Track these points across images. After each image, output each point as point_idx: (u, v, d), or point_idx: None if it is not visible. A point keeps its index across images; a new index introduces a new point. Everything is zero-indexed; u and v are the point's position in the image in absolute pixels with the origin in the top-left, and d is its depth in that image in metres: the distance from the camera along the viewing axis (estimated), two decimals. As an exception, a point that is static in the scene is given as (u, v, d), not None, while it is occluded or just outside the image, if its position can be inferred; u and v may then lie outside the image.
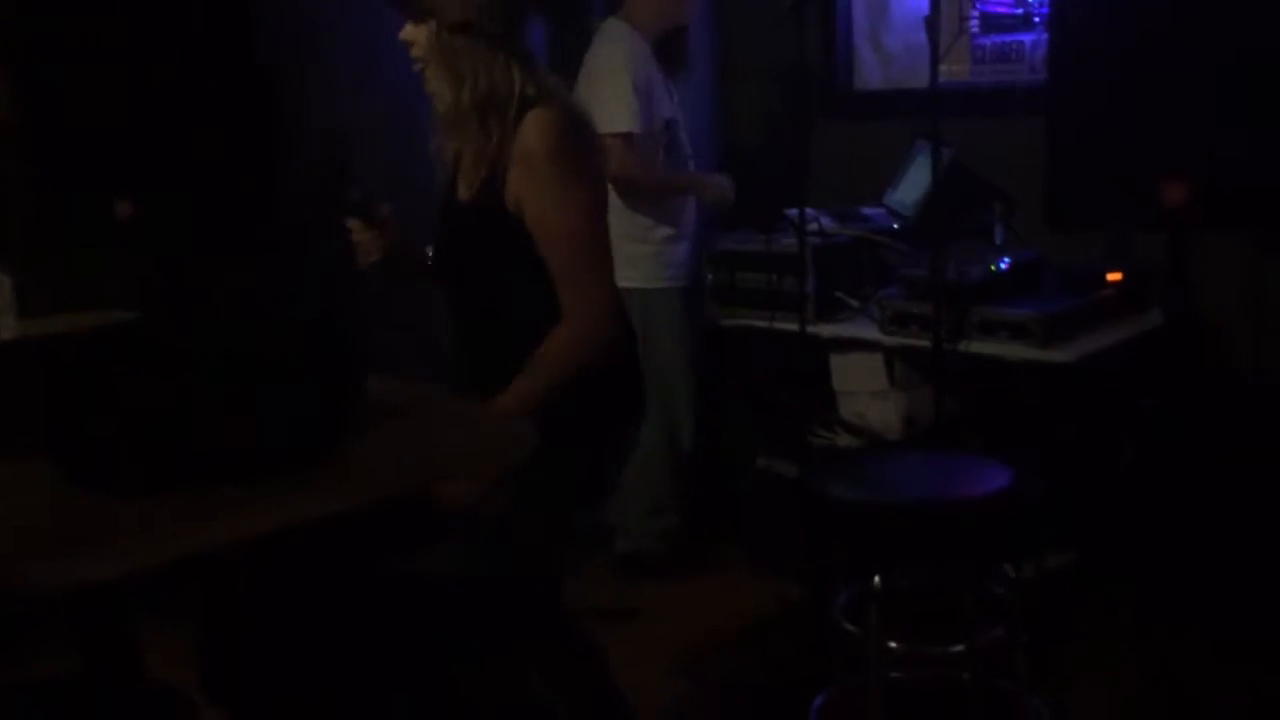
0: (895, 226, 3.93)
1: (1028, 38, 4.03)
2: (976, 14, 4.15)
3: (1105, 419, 3.31)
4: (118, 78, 3.04)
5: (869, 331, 3.64)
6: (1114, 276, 3.56)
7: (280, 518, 1.40)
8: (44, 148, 3.09)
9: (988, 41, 4.18)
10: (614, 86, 3.66)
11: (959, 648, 2.74)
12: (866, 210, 4.07)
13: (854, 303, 3.76)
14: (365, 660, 1.78)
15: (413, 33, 2.23)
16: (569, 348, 2.20)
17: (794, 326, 3.53)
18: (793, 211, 3.60)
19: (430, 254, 2.47)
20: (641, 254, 3.79)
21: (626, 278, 3.81)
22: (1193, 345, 3.50)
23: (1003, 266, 3.49)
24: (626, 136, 3.64)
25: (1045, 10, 3.91)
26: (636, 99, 3.65)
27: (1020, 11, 4.04)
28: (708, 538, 4.03)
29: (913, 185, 3.95)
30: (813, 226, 3.68)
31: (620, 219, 3.80)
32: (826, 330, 3.72)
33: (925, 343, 3.32)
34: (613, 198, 3.81)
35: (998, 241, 3.72)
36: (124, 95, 3.08)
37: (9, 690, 1.89)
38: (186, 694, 1.66)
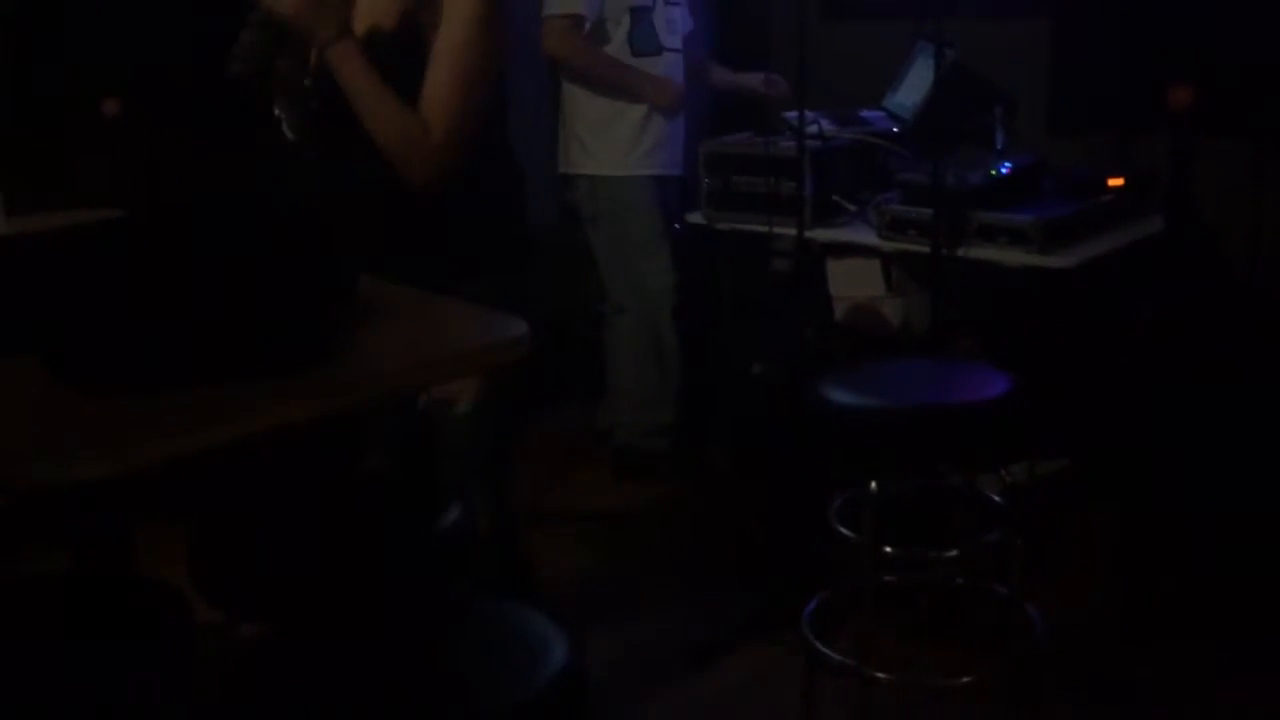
0: (895, 130, 3.87)
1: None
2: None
3: (1102, 325, 3.29)
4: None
5: (867, 236, 3.61)
6: (1115, 182, 3.51)
7: (276, 417, 1.38)
8: (30, 46, 3.02)
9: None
10: None
11: (952, 553, 2.75)
12: (866, 113, 4.02)
13: (851, 207, 3.72)
14: (356, 554, 1.78)
15: None
16: (401, 150, 2.17)
17: (791, 231, 3.50)
18: (791, 114, 3.55)
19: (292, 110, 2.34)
20: (603, 141, 3.82)
21: (587, 165, 3.86)
22: (1191, 252, 3.48)
23: (1003, 171, 3.45)
24: (573, 18, 3.67)
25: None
26: None
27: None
28: (702, 442, 4.04)
29: (913, 88, 3.89)
30: (811, 129, 3.63)
31: (581, 106, 3.80)
32: (823, 235, 3.68)
33: (923, 248, 3.29)
34: (575, 88, 3.82)
35: (998, 146, 3.67)
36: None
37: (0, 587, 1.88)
38: (179, 590, 1.66)
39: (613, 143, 3.84)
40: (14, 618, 1.66)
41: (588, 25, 3.73)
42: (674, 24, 3.88)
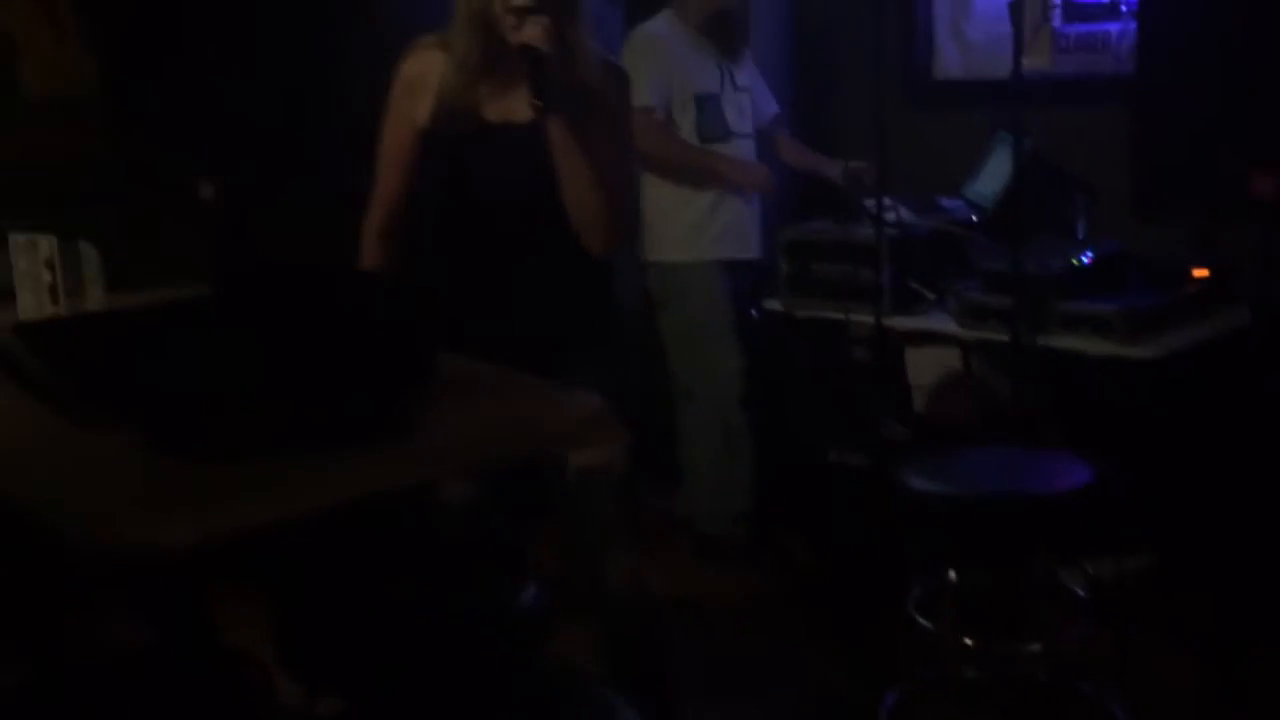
0: (974, 219, 3.87)
1: (1114, 27, 3.95)
2: (1060, 3, 4.08)
3: (1189, 418, 3.23)
4: (206, 58, 3.09)
5: (945, 325, 3.59)
6: (1200, 272, 3.48)
7: (357, 488, 1.40)
8: (132, 126, 3.14)
9: (1071, 30, 4.11)
10: (633, 66, 3.71)
11: (1035, 647, 2.69)
12: (945, 201, 4.02)
13: (930, 295, 3.71)
14: (438, 631, 1.78)
15: None
16: (597, 216, 2.36)
17: (870, 318, 3.50)
18: (870, 201, 3.57)
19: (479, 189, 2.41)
20: (670, 226, 3.84)
21: (656, 250, 3.89)
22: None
23: (1085, 260, 3.43)
24: (645, 110, 3.67)
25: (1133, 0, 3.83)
26: (650, 74, 3.70)
27: (1106, 1, 3.96)
28: (780, 529, 4.01)
29: (992, 177, 3.89)
30: (890, 217, 3.64)
31: (649, 191, 3.84)
32: (902, 323, 3.67)
33: (1003, 337, 3.27)
34: (644, 174, 3.87)
35: (1080, 235, 3.66)
36: (211, 76, 3.12)
37: (88, 661, 1.91)
38: (263, 665, 1.67)
39: (681, 228, 3.85)
40: (102, 690, 1.68)
41: (660, 115, 3.77)
42: (743, 109, 3.92)
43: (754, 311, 4.02)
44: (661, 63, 3.77)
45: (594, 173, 2.29)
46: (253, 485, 1.37)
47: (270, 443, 1.39)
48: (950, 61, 4.47)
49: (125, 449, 1.44)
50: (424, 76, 2.36)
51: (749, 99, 3.95)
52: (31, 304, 2.68)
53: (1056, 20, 4.10)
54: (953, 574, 2.47)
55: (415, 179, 2.39)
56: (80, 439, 1.49)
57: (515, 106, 2.31)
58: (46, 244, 2.66)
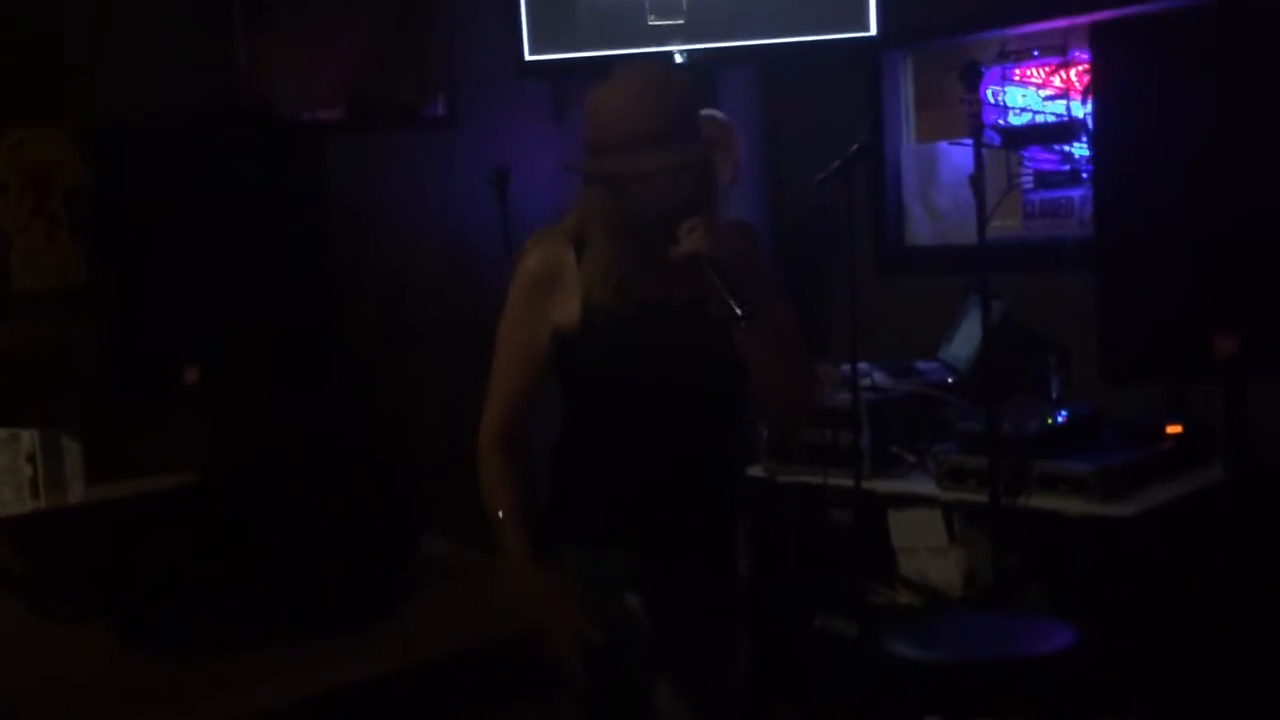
0: (950, 381, 3.93)
1: (1076, 193, 4.08)
2: (1027, 171, 4.22)
3: (1169, 575, 3.24)
4: (189, 246, 3.17)
5: (926, 487, 3.62)
6: (1173, 429, 3.52)
7: (333, 679, 1.41)
8: (120, 315, 3.20)
9: (1038, 197, 4.23)
10: None
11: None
12: (920, 364, 4.08)
13: (910, 458, 3.74)
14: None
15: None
16: (797, 393, 2.31)
17: (850, 483, 3.52)
18: (846, 367, 3.63)
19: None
20: None
21: None
22: (1258, 498, 3.45)
23: (1060, 420, 3.48)
24: None
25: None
26: None
27: (1068, 168, 4.09)
28: (768, 697, 3.96)
29: (966, 340, 3.96)
30: (866, 381, 3.69)
31: None
32: (883, 486, 3.69)
33: (983, 498, 3.30)
34: None
35: (1054, 395, 3.71)
36: (196, 263, 3.19)
37: None
38: None
39: None
40: None
41: None
42: None
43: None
44: None
45: (780, 341, 2.16)
46: (230, 681, 1.37)
47: (245, 637, 1.40)
48: (920, 228, 4.59)
49: (100, 644, 1.45)
50: (557, 275, 2.17)
51: None
52: (12, 498, 2.68)
53: (1026, 186, 4.23)
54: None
55: (542, 378, 2.23)
56: (56, 635, 1.50)
57: (671, 286, 2.15)
58: (28, 438, 2.68)
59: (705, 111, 4.02)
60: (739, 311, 1.99)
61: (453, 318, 4.27)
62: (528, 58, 4.27)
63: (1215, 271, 2.78)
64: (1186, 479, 3.41)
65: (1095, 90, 2.90)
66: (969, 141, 3.40)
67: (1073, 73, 4.03)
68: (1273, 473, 3.54)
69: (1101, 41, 2.89)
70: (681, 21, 4.27)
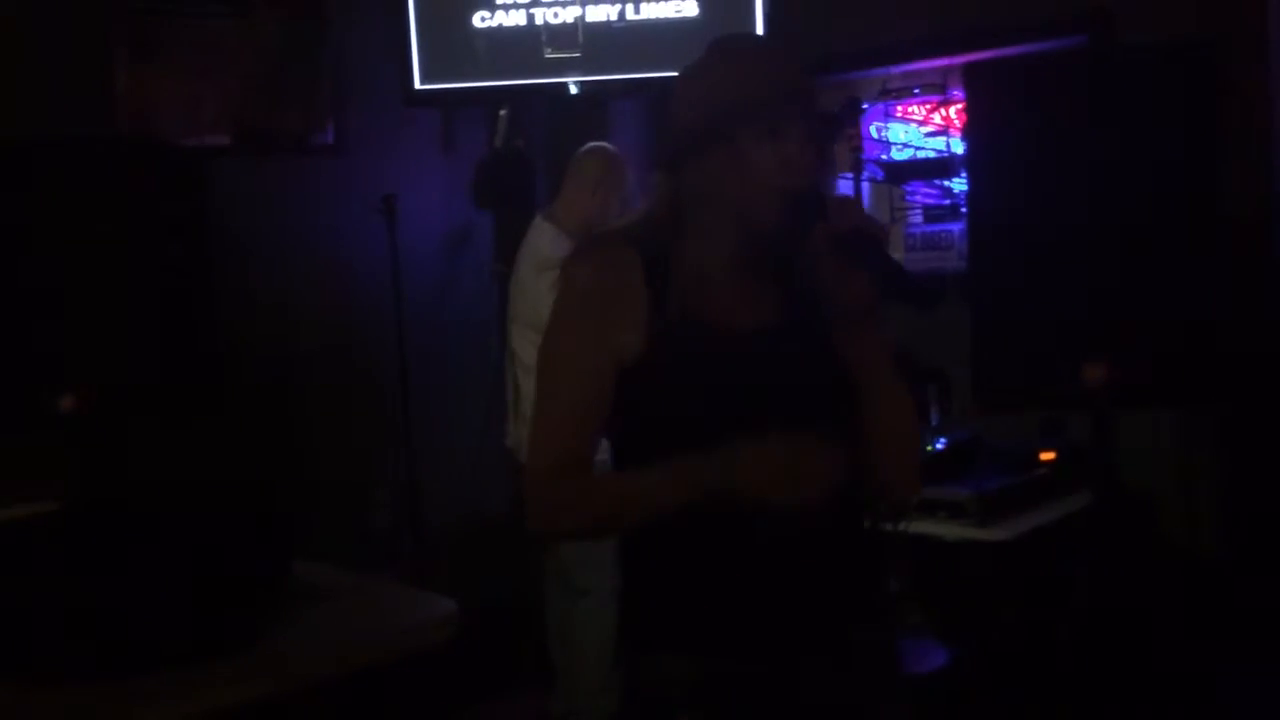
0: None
1: (955, 227, 4.20)
2: (916, 206, 4.33)
3: (1043, 596, 3.33)
4: (63, 271, 3.11)
5: (809, 512, 3.66)
6: (1047, 455, 3.63)
7: (202, 706, 1.40)
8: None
9: (919, 230, 4.35)
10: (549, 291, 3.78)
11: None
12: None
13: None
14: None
15: None
16: (910, 456, 1.88)
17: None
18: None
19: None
20: None
21: None
22: (1128, 522, 3.56)
23: (939, 447, 3.56)
24: None
25: (968, 201, 4.09)
26: None
27: (948, 202, 4.21)
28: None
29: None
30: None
31: None
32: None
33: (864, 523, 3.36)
34: (528, 376, 3.91)
35: (934, 422, 3.80)
36: (69, 289, 3.14)
37: None
38: None
39: None
40: None
41: None
42: None
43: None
44: None
45: (897, 383, 1.77)
46: (101, 705, 1.36)
47: (117, 662, 1.39)
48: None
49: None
50: (616, 291, 1.73)
51: None
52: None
53: (911, 220, 4.34)
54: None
55: (604, 414, 1.73)
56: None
57: (762, 305, 1.76)
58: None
59: (595, 144, 4.07)
60: (925, 288, 1.68)
61: (340, 345, 4.25)
62: (418, 86, 4.28)
63: (1085, 302, 2.87)
64: (1059, 504, 3.51)
65: (968, 128, 2.99)
66: (851, 175, 3.50)
67: (952, 110, 4.16)
68: (1141, 498, 3.67)
69: (974, 81, 2.98)
70: (578, 54, 4.32)
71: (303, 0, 4.30)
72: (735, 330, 1.72)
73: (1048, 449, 3.65)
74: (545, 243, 3.91)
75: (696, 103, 1.73)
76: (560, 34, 4.29)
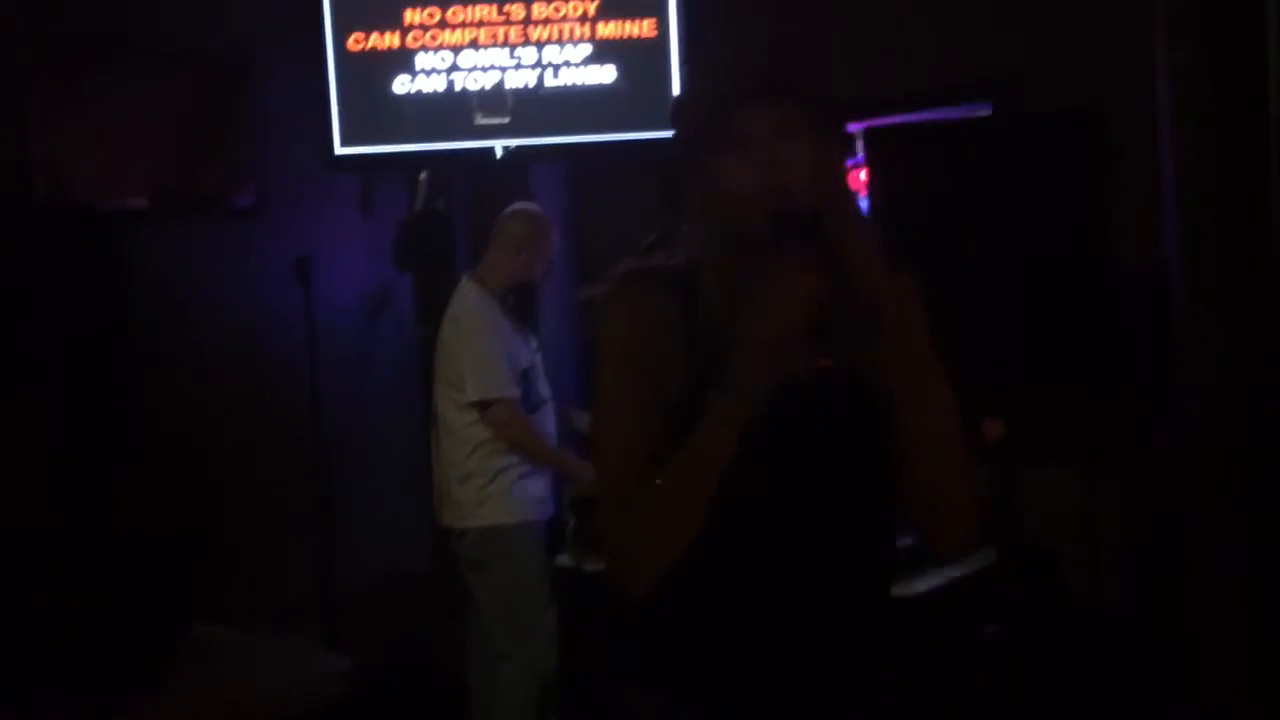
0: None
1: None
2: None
3: (953, 650, 3.38)
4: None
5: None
6: (956, 512, 3.69)
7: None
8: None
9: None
10: (489, 353, 3.82)
11: None
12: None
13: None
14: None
15: None
16: (964, 506, 1.78)
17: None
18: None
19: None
20: (491, 491, 3.86)
21: (476, 516, 3.91)
22: (1035, 576, 3.63)
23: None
24: (508, 403, 3.82)
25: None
26: (506, 361, 3.84)
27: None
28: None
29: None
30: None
31: (461, 459, 3.89)
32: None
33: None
34: (454, 444, 3.92)
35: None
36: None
37: None
38: None
39: (500, 493, 3.87)
40: None
41: (518, 405, 3.85)
42: (543, 375, 4.06)
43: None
44: (499, 345, 3.86)
45: (946, 425, 1.66)
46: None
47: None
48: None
49: None
50: (654, 334, 1.64)
51: (540, 365, 4.07)
52: None
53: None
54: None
55: (661, 454, 1.59)
56: None
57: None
58: None
59: (518, 205, 4.12)
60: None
61: (257, 407, 4.24)
62: (338, 151, 4.31)
63: (983, 360, 2.95)
64: (970, 559, 3.57)
65: (870, 190, 3.08)
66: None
67: (862, 174, 4.26)
68: (1048, 552, 3.74)
69: (874, 145, 3.08)
70: (507, 120, 4.37)
71: (224, 63, 4.32)
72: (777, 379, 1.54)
73: (958, 505, 3.71)
74: (470, 302, 3.95)
75: (673, 137, 1.67)
76: (490, 100, 4.35)
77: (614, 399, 1.66)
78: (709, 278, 1.61)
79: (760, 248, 1.52)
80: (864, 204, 4.22)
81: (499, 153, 4.36)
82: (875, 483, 1.68)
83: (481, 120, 4.37)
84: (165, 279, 4.02)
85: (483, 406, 3.82)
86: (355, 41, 4.31)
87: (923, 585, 3.33)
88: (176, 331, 4.07)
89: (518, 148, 4.39)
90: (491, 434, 3.84)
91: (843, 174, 1.77)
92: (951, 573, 3.44)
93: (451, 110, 4.37)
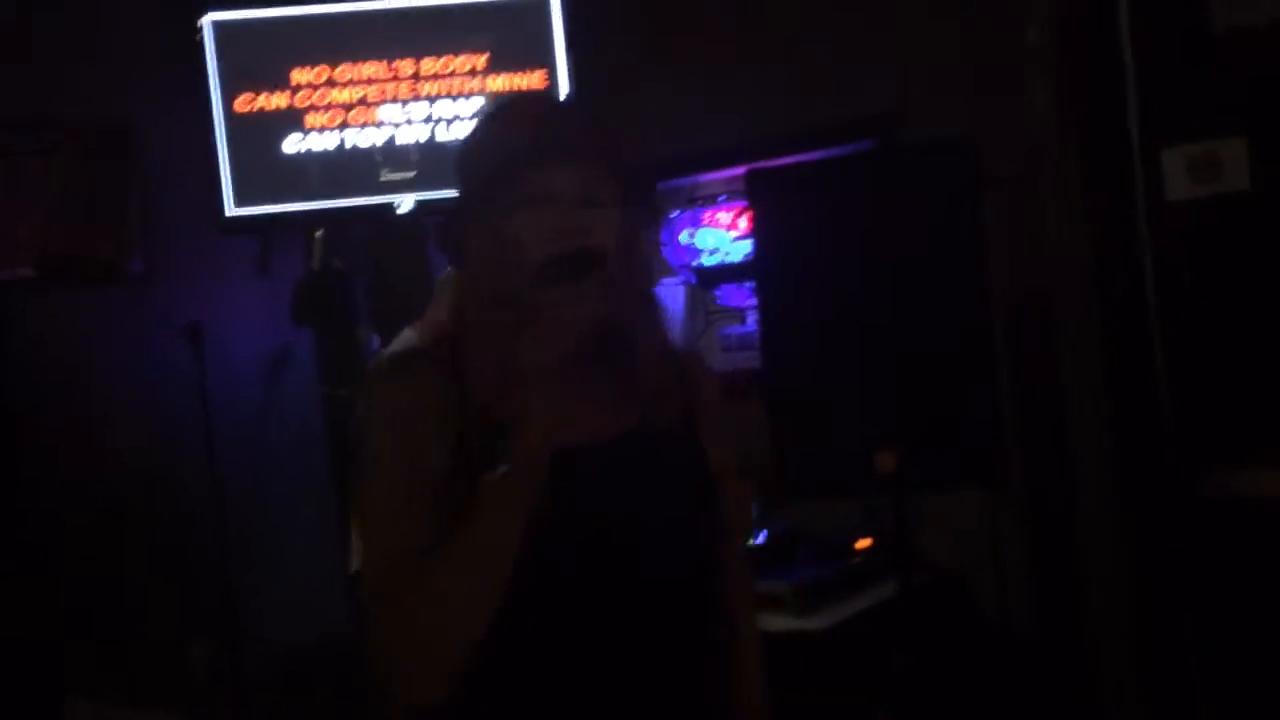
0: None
1: (765, 327, 4.32)
2: (723, 309, 4.45)
3: (856, 684, 3.40)
4: None
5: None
6: (863, 543, 3.73)
7: None
8: None
9: (734, 331, 4.47)
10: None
11: None
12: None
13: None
14: None
15: None
16: None
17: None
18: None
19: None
20: None
21: None
22: (942, 603, 3.66)
23: (759, 540, 3.63)
24: None
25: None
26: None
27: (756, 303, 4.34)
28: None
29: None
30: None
31: None
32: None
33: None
34: None
35: (755, 514, 3.87)
36: None
37: None
38: None
39: None
40: None
41: None
42: None
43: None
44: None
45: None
46: None
47: None
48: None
49: None
50: (428, 416, 1.49)
51: None
52: None
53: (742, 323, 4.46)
54: None
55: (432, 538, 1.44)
56: None
57: (596, 415, 1.49)
58: None
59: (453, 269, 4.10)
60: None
61: (153, 476, 4.18)
62: (230, 213, 4.28)
63: (872, 393, 2.99)
64: (876, 590, 3.60)
65: (754, 230, 3.12)
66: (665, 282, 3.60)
67: (743, 218, 4.31)
68: (955, 579, 3.79)
69: (755, 186, 3.12)
70: (413, 175, 4.36)
71: (109, 132, 4.29)
72: (555, 446, 1.39)
73: (864, 536, 3.75)
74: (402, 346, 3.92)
75: (458, 180, 1.53)
76: (394, 155, 4.34)
77: (383, 480, 1.49)
78: (475, 340, 1.49)
79: (530, 302, 1.41)
80: (749, 247, 4.30)
81: (403, 207, 4.35)
82: (688, 555, 1.53)
83: (387, 176, 4.36)
84: (54, 348, 3.97)
85: None
86: (243, 102, 4.29)
87: (824, 621, 3.35)
88: (67, 402, 4.02)
89: (422, 202, 4.38)
90: None
91: (648, 253, 1.68)
92: (852, 607, 3.47)
93: (352, 166, 4.36)
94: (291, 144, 4.31)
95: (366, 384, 1.56)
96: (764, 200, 3.09)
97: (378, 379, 1.57)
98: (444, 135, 4.39)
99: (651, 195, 1.95)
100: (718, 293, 4.41)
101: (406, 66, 4.38)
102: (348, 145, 4.35)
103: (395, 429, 1.48)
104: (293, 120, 4.32)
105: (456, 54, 4.37)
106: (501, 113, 1.55)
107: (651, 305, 1.57)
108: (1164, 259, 3.16)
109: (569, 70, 4.36)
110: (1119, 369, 3.25)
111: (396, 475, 1.46)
